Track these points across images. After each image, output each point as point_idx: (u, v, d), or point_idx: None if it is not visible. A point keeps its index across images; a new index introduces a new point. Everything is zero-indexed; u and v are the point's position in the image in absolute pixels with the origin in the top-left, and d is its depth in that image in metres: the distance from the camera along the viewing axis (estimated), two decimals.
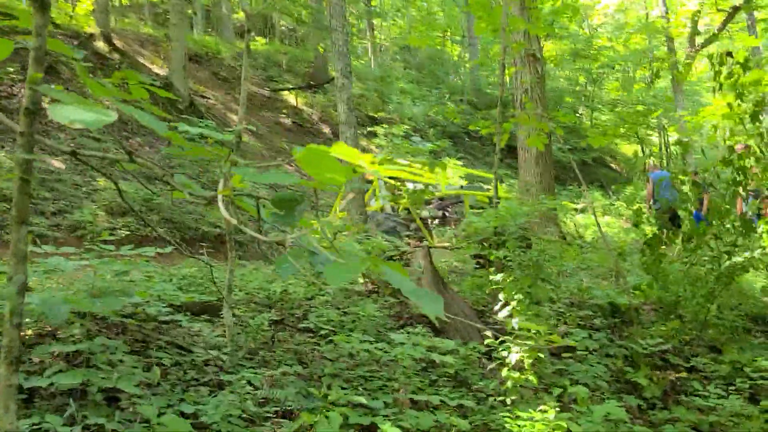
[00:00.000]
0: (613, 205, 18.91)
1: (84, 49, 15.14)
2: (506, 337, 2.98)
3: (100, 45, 15.75)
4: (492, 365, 2.96)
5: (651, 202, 10.31)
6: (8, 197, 8.78)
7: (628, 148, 27.13)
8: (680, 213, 8.15)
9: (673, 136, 27.03)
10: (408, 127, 19.73)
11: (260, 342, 3.71)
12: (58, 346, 2.71)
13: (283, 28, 29.56)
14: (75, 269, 3.53)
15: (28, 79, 1.26)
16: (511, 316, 3.01)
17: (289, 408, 3.13)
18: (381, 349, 3.08)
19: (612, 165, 25.43)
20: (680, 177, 8.38)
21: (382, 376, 3.40)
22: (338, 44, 7.17)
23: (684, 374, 4.41)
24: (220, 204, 0.95)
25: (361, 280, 5.11)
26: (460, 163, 18.66)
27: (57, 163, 10.93)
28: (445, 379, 3.45)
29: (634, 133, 22.25)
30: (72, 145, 11.63)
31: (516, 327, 2.87)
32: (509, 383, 2.76)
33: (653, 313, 5.49)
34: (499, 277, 3.15)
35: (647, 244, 5.41)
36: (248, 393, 2.97)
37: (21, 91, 12.45)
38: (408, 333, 2.94)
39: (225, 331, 3.86)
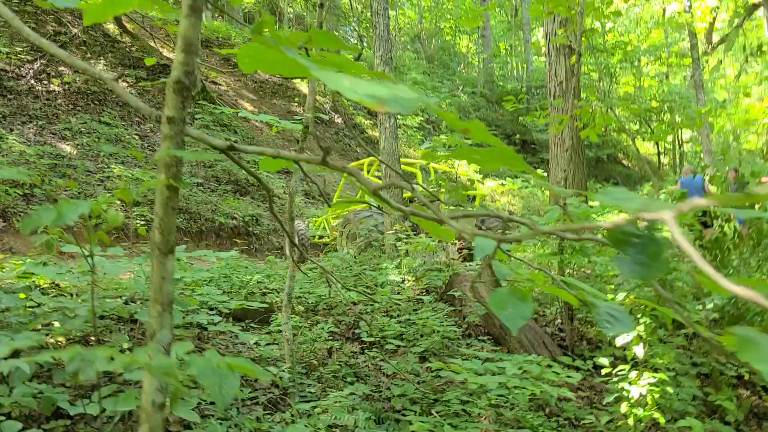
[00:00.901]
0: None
1: (93, 30, 14.69)
2: (624, 367, 2.63)
3: (110, 27, 15.28)
4: (609, 398, 2.61)
5: None
6: (18, 183, 8.38)
7: (640, 146, 26.75)
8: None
9: (686, 134, 26.64)
10: (422, 118, 19.31)
11: (314, 354, 3.34)
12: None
13: (290, 15, 29.06)
14: (119, 272, 3.16)
15: (181, 38, 0.88)
16: (631, 342, 2.64)
17: None
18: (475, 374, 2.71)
19: (624, 162, 25.05)
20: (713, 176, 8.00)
21: (456, 398, 3.05)
22: (379, 29, 6.76)
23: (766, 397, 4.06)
24: None
25: (408, 283, 4.74)
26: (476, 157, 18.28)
27: (68, 148, 10.54)
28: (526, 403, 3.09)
29: (648, 131, 21.85)
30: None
31: (640, 355, 2.51)
32: (630, 420, 2.41)
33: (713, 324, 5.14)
34: (621, 296, 2.76)
35: (705, 248, 5.05)
36: (318, 418, 2.61)
37: (30, 72, 12.02)
38: (525, 362, 2.55)
39: (275, 339, 3.50)
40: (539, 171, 20.55)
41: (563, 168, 9.27)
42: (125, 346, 2.58)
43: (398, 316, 3.94)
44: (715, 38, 24.95)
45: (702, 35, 21.88)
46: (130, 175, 9.43)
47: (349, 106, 19.39)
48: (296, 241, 10.44)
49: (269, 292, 4.06)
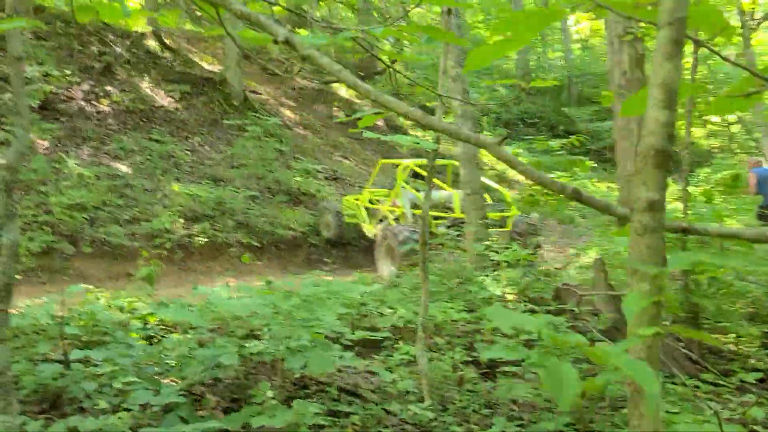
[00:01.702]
0: (685, 190, 17.88)
1: (136, 48, 14.75)
2: None
3: (152, 44, 15.35)
4: None
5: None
6: (84, 206, 8.38)
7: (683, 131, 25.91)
8: None
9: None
10: None
11: (448, 386, 3.13)
12: (262, 418, 2.16)
13: (317, 18, 28.98)
14: (229, 302, 2.98)
15: (660, 88, 0.70)
16: None
17: None
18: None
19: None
20: None
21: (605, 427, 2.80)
22: (451, 29, 6.51)
23: None
24: None
25: (510, 296, 4.50)
26: (520, 151, 17.91)
27: (123, 167, 10.56)
28: None
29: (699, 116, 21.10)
30: (132, 153, 11.23)
31: None
32: None
33: None
34: None
35: None
36: None
37: (79, 93, 12.09)
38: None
39: (398, 369, 3.30)
40: (587, 162, 19.97)
41: (632, 160, 8.89)
42: (269, 394, 2.40)
43: (517, 335, 3.70)
44: (759, 15, 24.05)
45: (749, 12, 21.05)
46: (188, 192, 9.37)
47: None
48: (334, 221, 10.47)
49: (379, 315, 3.86)
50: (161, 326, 3.19)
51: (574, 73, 23.30)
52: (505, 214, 8.62)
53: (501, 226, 8.23)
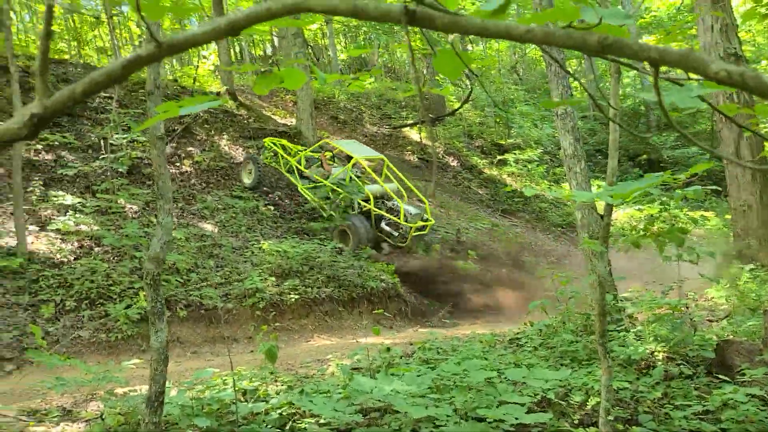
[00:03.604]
0: None
1: (213, 108, 15.14)
2: None
3: (228, 103, 15.74)
4: None
5: None
6: (177, 269, 8.38)
7: None
8: None
9: None
10: (540, 150, 18.48)
11: None
12: None
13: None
14: (381, 388, 2.63)
15: None
16: None
17: None
18: None
19: None
20: None
21: None
22: (554, 66, 6.20)
23: None
24: None
25: (660, 355, 3.97)
26: (602, 183, 17.16)
27: (209, 227, 10.62)
28: None
29: None
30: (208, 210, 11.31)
31: None
32: None
33: None
34: None
35: None
36: None
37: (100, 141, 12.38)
38: None
39: None
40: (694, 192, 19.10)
41: (747, 190, 8.19)
42: None
43: (696, 415, 3.18)
44: None
45: None
46: (279, 250, 9.27)
47: (462, 148, 18.88)
48: (254, 167, 11.01)
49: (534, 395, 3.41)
50: (295, 411, 2.89)
51: (651, 99, 22.41)
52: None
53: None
